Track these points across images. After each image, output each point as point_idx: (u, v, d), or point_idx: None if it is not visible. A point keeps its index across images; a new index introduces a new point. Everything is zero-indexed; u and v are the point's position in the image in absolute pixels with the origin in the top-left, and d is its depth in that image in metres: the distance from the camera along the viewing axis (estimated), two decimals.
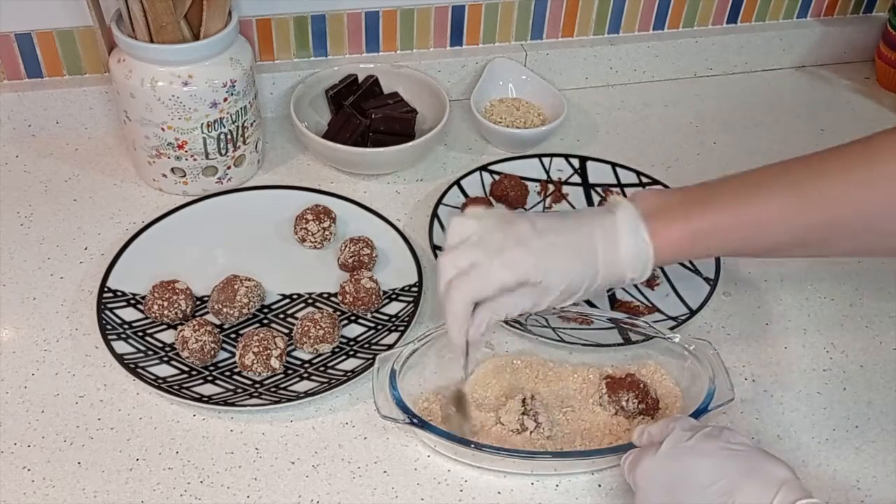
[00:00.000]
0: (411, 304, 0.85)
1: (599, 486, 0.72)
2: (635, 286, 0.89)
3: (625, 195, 0.99)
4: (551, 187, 1.01)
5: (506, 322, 0.82)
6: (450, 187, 0.97)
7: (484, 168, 1.00)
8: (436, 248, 0.90)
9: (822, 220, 0.66)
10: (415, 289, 0.86)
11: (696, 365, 0.76)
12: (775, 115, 1.17)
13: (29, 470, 0.71)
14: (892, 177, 0.64)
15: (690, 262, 0.91)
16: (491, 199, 0.97)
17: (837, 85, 1.24)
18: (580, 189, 1.01)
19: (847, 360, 0.84)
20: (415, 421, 0.71)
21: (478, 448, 0.70)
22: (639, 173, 1.01)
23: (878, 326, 0.88)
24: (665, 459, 0.65)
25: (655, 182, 1.00)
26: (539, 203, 0.99)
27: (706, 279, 0.89)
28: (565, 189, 1.01)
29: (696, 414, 0.71)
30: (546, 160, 1.03)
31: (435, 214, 0.94)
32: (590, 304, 0.87)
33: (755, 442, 0.76)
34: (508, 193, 0.97)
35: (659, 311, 0.86)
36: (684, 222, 0.68)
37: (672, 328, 0.83)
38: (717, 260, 0.90)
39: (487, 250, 0.67)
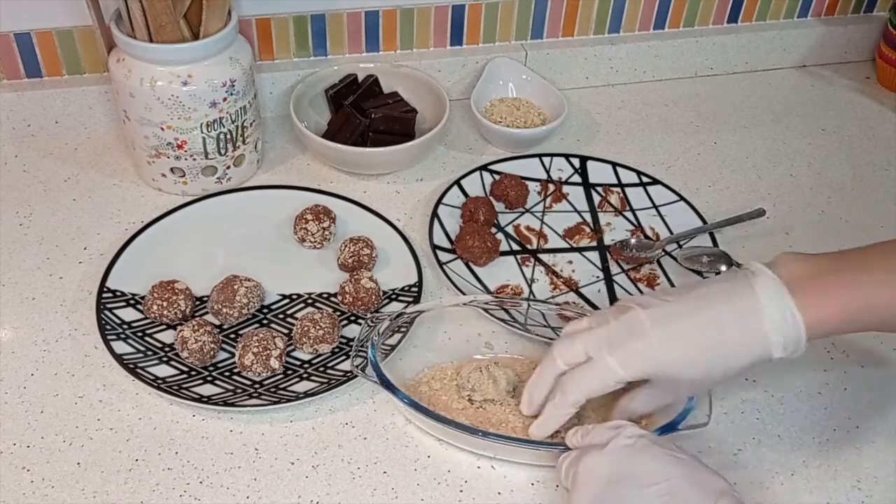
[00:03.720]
0: (411, 304, 0.84)
1: None
2: (635, 286, 0.89)
3: (625, 196, 0.99)
4: (552, 187, 1.01)
5: (506, 323, 0.82)
6: (450, 187, 0.97)
7: (484, 168, 1.00)
8: (436, 248, 0.90)
9: None
10: (415, 289, 0.86)
11: None
12: (775, 114, 1.17)
13: (28, 470, 0.71)
14: None
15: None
16: (491, 198, 0.97)
17: (838, 85, 1.23)
18: (580, 189, 1.01)
19: (847, 360, 0.84)
20: (385, 382, 0.71)
21: (438, 420, 0.71)
22: (639, 173, 1.01)
23: None
24: (611, 456, 0.64)
25: (656, 182, 1.00)
26: (539, 203, 0.99)
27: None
28: (565, 189, 1.00)
29: (666, 429, 0.69)
30: (546, 160, 1.03)
31: (435, 214, 0.94)
32: (590, 304, 0.87)
33: (749, 445, 0.76)
34: (508, 193, 0.97)
35: None
36: (844, 292, 0.60)
37: None
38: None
39: (601, 342, 0.63)
